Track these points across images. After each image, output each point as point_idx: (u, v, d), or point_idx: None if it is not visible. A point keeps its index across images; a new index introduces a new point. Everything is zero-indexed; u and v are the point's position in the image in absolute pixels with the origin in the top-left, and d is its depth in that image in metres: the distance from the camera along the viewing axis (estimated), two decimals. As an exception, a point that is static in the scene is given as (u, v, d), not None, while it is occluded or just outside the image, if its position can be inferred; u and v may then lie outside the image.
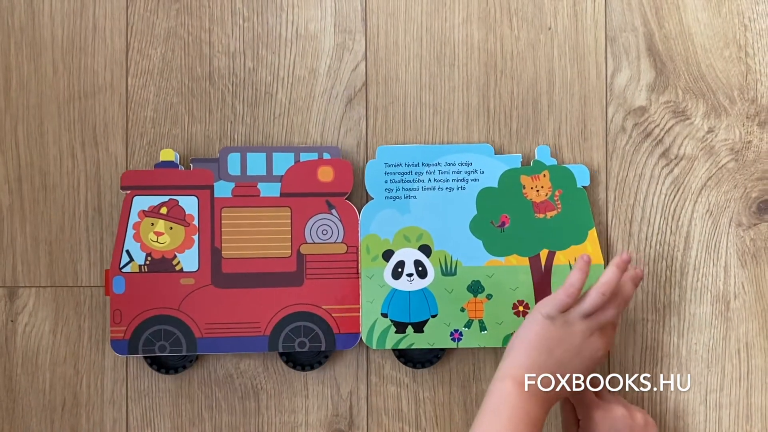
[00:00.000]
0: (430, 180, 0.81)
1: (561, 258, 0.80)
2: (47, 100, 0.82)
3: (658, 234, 0.83)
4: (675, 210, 0.83)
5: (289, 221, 0.80)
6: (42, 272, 0.82)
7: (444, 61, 0.83)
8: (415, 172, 0.81)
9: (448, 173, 0.81)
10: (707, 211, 0.83)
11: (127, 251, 0.79)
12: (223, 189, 0.80)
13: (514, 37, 0.83)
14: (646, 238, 0.83)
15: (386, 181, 0.81)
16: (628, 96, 0.83)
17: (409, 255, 0.80)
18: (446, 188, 0.81)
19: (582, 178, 0.81)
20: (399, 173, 0.81)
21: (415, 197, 0.81)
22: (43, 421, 0.82)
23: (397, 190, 0.81)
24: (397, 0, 0.83)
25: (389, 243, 0.80)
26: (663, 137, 0.83)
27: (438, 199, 0.81)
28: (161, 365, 0.80)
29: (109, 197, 0.82)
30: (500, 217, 0.81)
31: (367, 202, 0.82)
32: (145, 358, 0.80)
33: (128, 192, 0.79)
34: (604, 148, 0.83)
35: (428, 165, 0.81)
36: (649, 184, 0.83)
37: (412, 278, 0.80)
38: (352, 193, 0.82)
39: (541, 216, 0.80)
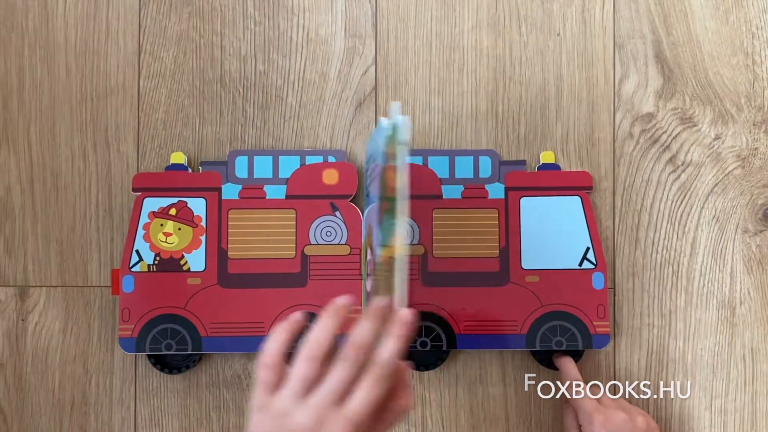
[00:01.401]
0: None
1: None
2: (60, 102, 0.83)
3: (664, 239, 0.83)
4: (681, 216, 0.83)
5: (294, 223, 0.81)
6: (53, 272, 0.83)
7: (453, 66, 0.84)
8: None
9: None
10: (714, 217, 0.83)
11: (137, 251, 0.80)
12: (230, 191, 0.81)
13: (522, 43, 0.84)
14: (653, 244, 0.83)
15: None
16: (635, 102, 0.84)
17: None
18: None
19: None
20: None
21: None
22: (52, 420, 0.82)
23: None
24: (407, 5, 0.84)
25: None
26: (670, 143, 0.83)
27: None
28: (165, 365, 0.81)
29: (120, 198, 0.83)
30: None
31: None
32: (149, 357, 0.81)
33: (139, 194, 0.80)
34: (611, 153, 0.84)
35: None
36: (656, 189, 0.83)
37: None
38: (359, 196, 0.82)
39: None
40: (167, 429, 0.82)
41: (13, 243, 0.83)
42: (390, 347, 0.54)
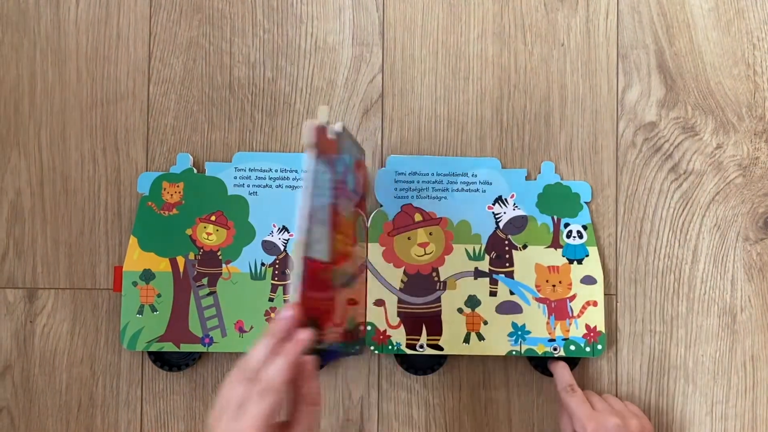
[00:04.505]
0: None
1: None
2: (70, 106, 0.84)
3: (666, 247, 0.84)
4: (683, 224, 0.84)
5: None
6: (61, 274, 0.83)
7: (459, 74, 0.85)
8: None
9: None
10: (715, 225, 0.84)
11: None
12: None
13: (527, 52, 0.85)
14: (655, 251, 0.84)
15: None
16: (638, 111, 0.85)
17: None
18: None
19: None
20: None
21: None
22: (59, 422, 0.83)
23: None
24: (414, 14, 0.85)
25: None
26: (672, 152, 0.85)
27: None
28: (165, 362, 0.81)
29: (129, 202, 0.84)
30: None
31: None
32: (149, 354, 0.81)
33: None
34: (614, 162, 0.85)
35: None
36: (658, 197, 0.84)
37: None
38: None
39: None
40: (173, 431, 0.83)
41: (23, 245, 0.83)
42: (277, 365, 0.59)
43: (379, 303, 0.81)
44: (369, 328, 0.81)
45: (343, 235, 0.72)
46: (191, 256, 0.81)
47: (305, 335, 0.60)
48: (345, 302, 0.74)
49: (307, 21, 0.85)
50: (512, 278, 0.81)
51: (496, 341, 0.81)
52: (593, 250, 0.82)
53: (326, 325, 0.67)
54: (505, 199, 0.82)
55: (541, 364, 0.82)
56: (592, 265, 0.82)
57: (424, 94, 0.85)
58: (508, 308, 0.81)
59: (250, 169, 0.82)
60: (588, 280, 0.82)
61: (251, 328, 0.81)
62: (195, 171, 0.82)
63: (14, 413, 0.83)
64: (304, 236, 0.62)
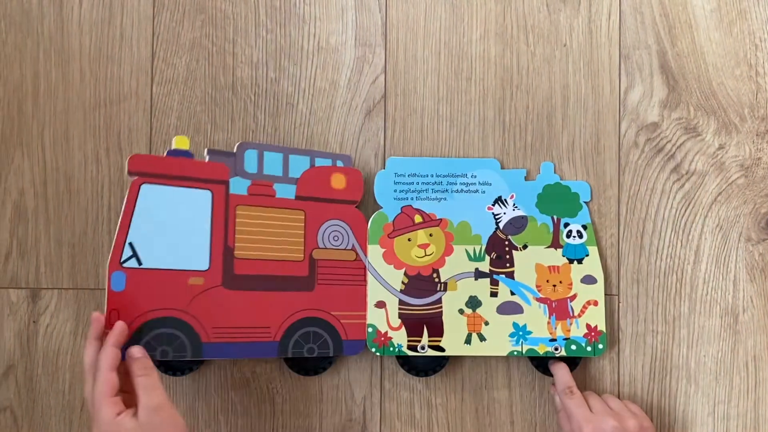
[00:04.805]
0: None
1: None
2: (74, 107, 0.84)
3: (668, 247, 0.84)
4: (685, 224, 0.84)
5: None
6: (64, 274, 0.84)
7: (461, 75, 0.85)
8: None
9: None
10: (717, 225, 0.84)
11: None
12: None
13: (530, 52, 0.85)
14: (657, 251, 0.84)
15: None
16: (640, 112, 0.85)
17: None
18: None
19: None
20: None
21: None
22: (62, 421, 0.83)
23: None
24: (417, 15, 0.85)
25: None
26: (675, 153, 0.85)
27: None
28: (168, 367, 0.81)
29: (132, 202, 0.84)
30: None
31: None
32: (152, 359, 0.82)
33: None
34: (616, 162, 0.85)
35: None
36: (660, 198, 0.84)
37: None
38: (364, 202, 0.83)
39: None
40: (176, 431, 0.83)
41: (26, 245, 0.84)
42: (103, 353, 0.70)
43: (380, 305, 0.81)
44: (370, 330, 0.81)
45: (261, 243, 0.79)
46: None
47: (118, 325, 0.72)
48: (272, 304, 0.79)
49: (310, 21, 0.85)
50: (513, 278, 0.82)
51: (498, 342, 0.81)
52: (593, 250, 0.82)
53: (208, 324, 0.77)
54: (505, 200, 0.82)
55: (542, 363, 0.83)
56: (592, 264, 0.82)
57: (427, 94, 0.85)
58: (509, 308, 0.82)
59: None
60: (588, 280, 0.82)
61: None
62: None
63: (17, 413, 0.83)
64: (115, 252, 0.74)
